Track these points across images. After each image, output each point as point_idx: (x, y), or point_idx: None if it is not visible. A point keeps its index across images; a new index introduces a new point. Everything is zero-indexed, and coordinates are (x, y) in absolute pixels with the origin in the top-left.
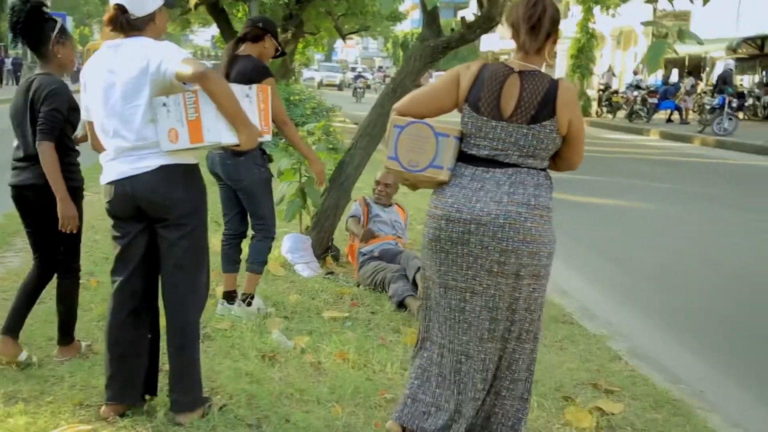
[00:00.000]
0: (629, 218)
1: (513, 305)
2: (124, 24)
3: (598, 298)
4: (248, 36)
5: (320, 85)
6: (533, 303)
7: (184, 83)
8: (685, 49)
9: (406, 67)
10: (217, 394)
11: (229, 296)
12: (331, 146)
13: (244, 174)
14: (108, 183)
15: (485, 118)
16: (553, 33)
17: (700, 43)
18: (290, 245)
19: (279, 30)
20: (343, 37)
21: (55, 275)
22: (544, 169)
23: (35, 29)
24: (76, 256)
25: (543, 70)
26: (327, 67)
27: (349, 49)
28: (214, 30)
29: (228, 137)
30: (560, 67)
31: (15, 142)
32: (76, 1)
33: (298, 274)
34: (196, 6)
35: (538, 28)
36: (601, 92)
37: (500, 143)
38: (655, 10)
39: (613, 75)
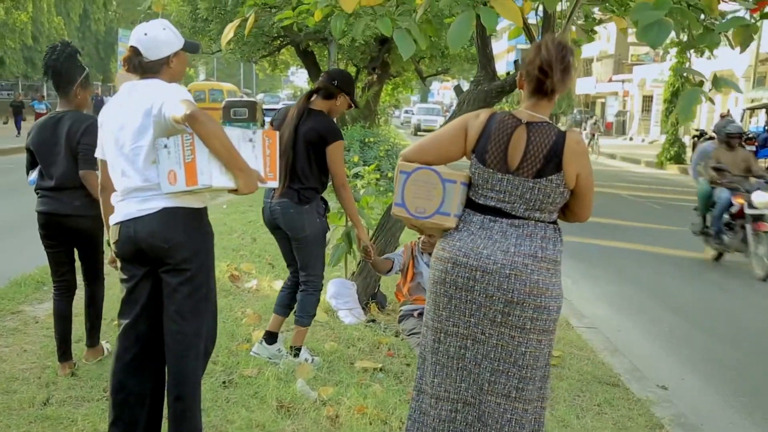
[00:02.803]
0: (704, 270)
1: (519, 360)
2: (138, 66)
3: (653, 355)
4: (321, 92)
5: (417, 130)
6: (542, 359)
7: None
8: None
9: (458, 113)
10: None
11: (270, 336)
12: (382, 189)
13: (308, 224)
14: (115, 223)
15: (491, 170)
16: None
17: (739, 91)
18: (334, 291)
19: (364, 72)
20: (423, 80)
21: (84, 285)
22: (553, 222)
23: (67, 71)
24: (101, 267)
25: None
26: (425, 109)
27: (445, 91)
28: None
29: (221, 180)
30: (655, 112)
31: (33, 174)
32: (207, 47)
33: (340, 321)
34: (280, 48)
35: (569, 71)
36: (695, 139)
37: (507, 196)
38: (678, 54)
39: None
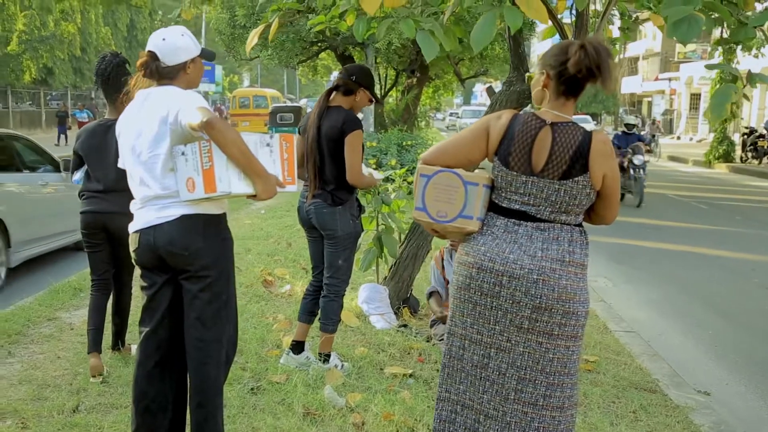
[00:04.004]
0: (751, 272)
1: (547, 367)
2: (155, 71)
3: (695, 360)
4: (340, 88)
5: None
6: (570, 365)
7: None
8: None
9: (490, 113)
10: None
11: (297, 345)
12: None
13: (341, 224)
14: (134, 231)
15: (515, 173)
16: None
17: None
18: (366, 295)
19: (404, 75)
20: (462, 82)
21: (114, 290)
22: (579, 225)
23: (115, 80)
24: (131, 273)
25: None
26: (470, 112)
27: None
28: None
29: (239, 187)
30: (703, 111)
31: (78, 174)
32: (240, 52)
33: (372, 326)
34: (318, 53)
35: (613, 73)
36: (745, 136)
37: (532, 198)
38: (723, 51)
39: None
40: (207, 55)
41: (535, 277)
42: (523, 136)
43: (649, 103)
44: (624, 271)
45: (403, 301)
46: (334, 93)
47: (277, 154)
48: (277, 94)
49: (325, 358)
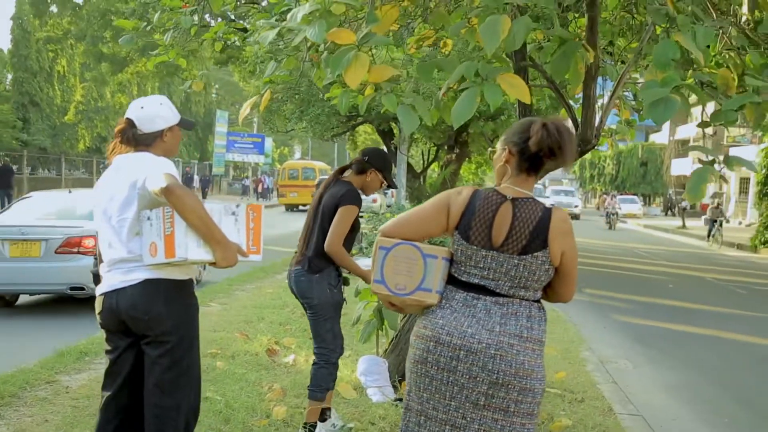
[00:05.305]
0: None
1: None
2: (131, 138)
3: None
4: (354, 166)
5: None
6: None
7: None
8: None
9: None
10: None
11: (322, 414)
12: None
13: (316, 292)
14: (100, 294)
15: (475, 247)
16: None
17: (753, 169)
18: (365, 368)
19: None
20: None
21: None
22: (537, 300)
23: None
24: None
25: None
26: (562, 192)
27: None
28: None
29: (197, 254)
30: (752, 195)
31: None
32: (276, 125)
33: (368, 399)
34: (355, 126)
35: (572, 154)
36: None
37: (491, 273)
38: (705, 134)
39: None
40: (185, 125)
41: (492, 351)
42: (484, 210)
43: None
44: (647, 354)
45: (402, 375)
46: (348, 171)
47: (242, 223)
48: (325, 166)
49: (311, 428)
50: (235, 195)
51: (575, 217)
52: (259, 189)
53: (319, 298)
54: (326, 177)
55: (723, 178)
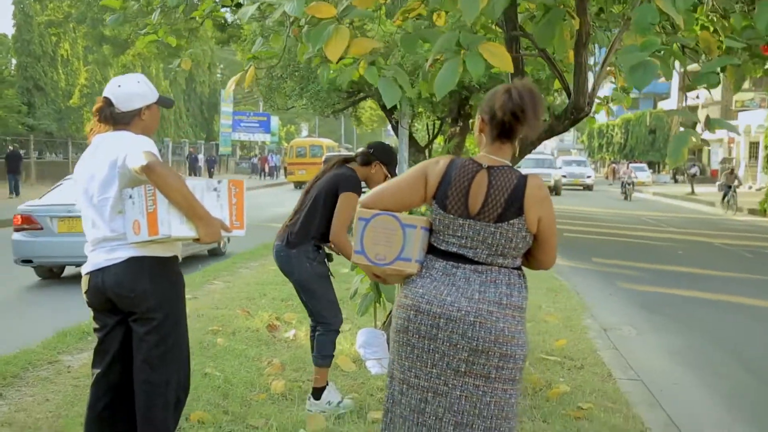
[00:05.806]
0: None
1: (484, 411)
2: (109, 117)
3: (705, 411)
4: (358, 158)
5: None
6: (509, 410)
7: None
8: None
9: None
10: None
11: (315, 392)
12: None
13: (296, 267)
14: (85, 274)
15: (452, 216)
16: None
17: (735, 131)
18: (364, 340)
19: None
20: None
21: None
22: (517, 268)
23: None
24: None
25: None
26: (532, 161)
27: (546, 141)
28: None
29: (180, 230)
30: (762, 159)
31: None
32: (276, 103)
33: (367, 371)
34: (357, 102)
35: (540, 116)
36: None
37: (468, 241)
38: (685, 97)
39: None
40: (164, 103)
41: (471, 319)
42: (460, 179)
43: (708, 152)
44: (652, 320)
45: None
46: (352, 162)
47: (225, 198)
48: (333, 143)
49: (318, 394)
50: (244, 174)
51: (588, 188)
52: (265, 168)
53: (299, 273)
54: (334, 153)
55: (705, 141)
